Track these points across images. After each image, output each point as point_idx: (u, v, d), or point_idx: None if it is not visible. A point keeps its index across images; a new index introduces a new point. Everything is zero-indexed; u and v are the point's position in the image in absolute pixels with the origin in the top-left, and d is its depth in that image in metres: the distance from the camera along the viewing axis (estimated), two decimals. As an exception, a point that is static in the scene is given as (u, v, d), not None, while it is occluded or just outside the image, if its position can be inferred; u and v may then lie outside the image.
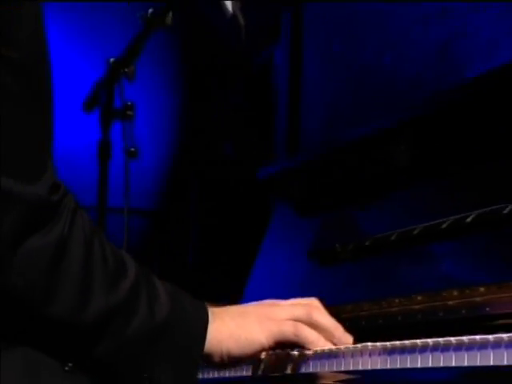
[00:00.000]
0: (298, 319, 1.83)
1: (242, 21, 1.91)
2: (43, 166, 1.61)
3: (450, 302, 1.88)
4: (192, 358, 1.73)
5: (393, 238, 2.12)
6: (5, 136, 1.55)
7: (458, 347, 1.56)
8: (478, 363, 1.52)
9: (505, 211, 1.85)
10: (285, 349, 1.86)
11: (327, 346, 1.82)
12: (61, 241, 1.59)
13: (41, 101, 1.65)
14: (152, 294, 1.70)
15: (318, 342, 1.82)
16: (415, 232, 2.06)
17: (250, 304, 1.93)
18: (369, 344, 1.74)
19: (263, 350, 1.82)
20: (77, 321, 1.62)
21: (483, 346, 1.53)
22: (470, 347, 1.55)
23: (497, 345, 1.50)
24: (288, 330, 1.81)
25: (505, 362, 1.48)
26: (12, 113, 1.57)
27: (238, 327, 1.80)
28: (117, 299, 1.65)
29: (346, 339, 1.84)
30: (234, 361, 1.79)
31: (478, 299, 1.82)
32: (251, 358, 1.84)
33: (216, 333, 1.76)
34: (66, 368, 1.65)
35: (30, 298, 1.59)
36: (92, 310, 1.62)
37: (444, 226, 1.98)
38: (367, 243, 2.20)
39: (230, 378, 2.01)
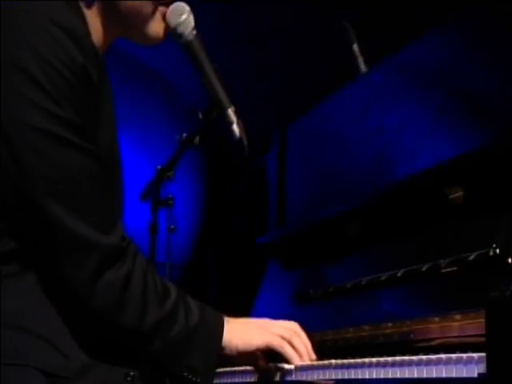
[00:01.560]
0: (283, 338, 1.82)
1: (245, 141, 1.90)
2: (116, 223, 1.62)
3: (387, 331, 1.85)
4: (214, 350, 1.72)
5: (348, 286, 2.10)
6: (91, 203, 1.56)
7: (393, 364, 1.56)
8: (407, 376, 1.51)
9: (423, 269, 1.84)
10: (272, 358, 1.85)
11: (299, 362, 1.82)
12: (128, 274, 1.59)
13: (113, 179, 1.67)
14: (187, 308, 1.69)
15: (293, 358, 1.82)
16: (363, 282, 2.04)
17: (253, 319, 1.93)
18: (333, 361, 1.73)
19: (258, 350, 1.81)
20: (138, 328, 1.62)
21: (410, 363, 1.52)
22: (401, 364, 1.54)
23: (419, 363, 1.50)
24: (277, 343, 1.81)
25: (424, 375, 1.48)
26: (96, 188, 1.58)
27: (243, 331, 1.79)
28: (164, 312, 1.64)
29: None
30: (238, 354, 1.77)
31: (405, 329, 1.80)
32: (250, 355, 1.81)
33: (228, 334, 1.74)
34: (129, 378, 1.63)
35: (107, 314, 1.58)
36: (148, 321, 1.62)
37: (382, 278, 1.97)
38: (331, 289, 2.19)
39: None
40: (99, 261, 1.55)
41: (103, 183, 1.59)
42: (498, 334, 1.34)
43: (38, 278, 1.56)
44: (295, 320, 1.89)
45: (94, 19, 1.70)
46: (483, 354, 1.36)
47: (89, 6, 1.69)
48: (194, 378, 1.68)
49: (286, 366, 1.83)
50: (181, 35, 1.84)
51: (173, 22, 1.80)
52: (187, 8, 1.82)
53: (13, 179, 1.51)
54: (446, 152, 1.95)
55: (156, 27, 1.77)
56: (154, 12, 1.75)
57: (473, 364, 1.38)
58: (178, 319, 1.66)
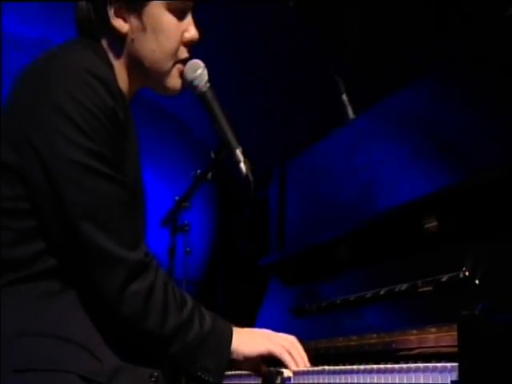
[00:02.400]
0: (283, 347, 1.80)
1: (251, 177, 1.89)
2: (140, 241, 1.61)
3: (372, 341, 1.84)
4: (224, 354, 1.70)
5: (338, 301, 2.09)
6: (119, 225, 1.56)
7: (378, 371, 1.55)
8: (390, 382, 1.50)
9: (402, 288, 1.83)
10: (273, 365, 1.83)
11: (296, 368, 1.79)
12: (151, 285, 1.58)
13: (137, 205, 1.66)
14: (201, 316, 1.67)
15: (291, 364, 1.79)
16: (351, 299, 2.03)
17: (257, 329, 1.91)
18: (326, 367, 1.72)
19: (261, 356, 1.78)
20: (159, 332, 1.60)
21: (392, 371, 1.51)
22: (384, 371, 1.54)
23: (400, 370, 1.49)
24: (277, 350, 1.78)
25: (405, 381, 1.46)
26: (123, 212, 1.58)
27: (249, 339, 1.76)
28: (182, 319, 1.63)
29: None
30: (244, 359, 1.75)
31: (387, 339, 1.79)
32: (253, 360, 1.78)
33: (236, 341, 1.72)
34: (153, 379, 1.62)
35: (134, 320, 1.57)
36: (168, 326, 1.61)
37: (368, 295, 1.96)
38: (323, 304, 2.17)
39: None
40: (126, 274, 1.55)
41: (129, 208, 1.60)
42: (469, 348, 1.32)
43: (76, 293, 1.56)
44: (293, 330, 1.88)
45: (121, 69, 1.72)
46: (456, 364, 1.35)
47: (117, 58, 1.71)
48: (206, 378, 1.67)
49: (285, 371, 1.81)
50: (196, 87, 1.84)
51: (189, 76, 1.81)
52: (202, 64, 1.83)
53: (52, 205, 1.53)
54: (422, 187, 1.94)
55: (174, 81, 1.78)
56: (172, 67, 1.76)
57: (446, 372, 1.37)
58: (193, 325, 1.64)
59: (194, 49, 1.81)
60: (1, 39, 3.61)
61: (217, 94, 1.88)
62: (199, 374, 1.66)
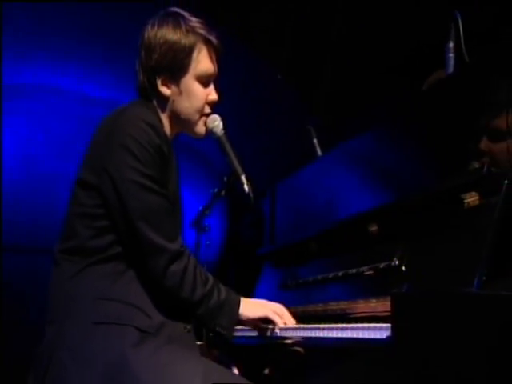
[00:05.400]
0: (275, 312, 1.79)
1: (251, 194, 1.88)
2: (178, 236, 1.61)
3: (333, 308, 1.84)
4: (234, 316, 1.69)
5: (310, 280, 2.08)
6: (163, 224, 1.56)
7: (336, 328, 1.54)
8: (344, 336, 1.49)
9: (353, 271, 1.82)
10: (266, 323, 1.81)
11: (282, 325, 1.77)
12: (185, 266, 1.58)
13: (176, 211, 1.66)
14: (219, 289, 1.66)
15: (279, 322, 1.78)
16: (319, 278, 2.02)
17: (257, 299, 1.90)
18: (301, 325, 1.72)
19: (260, 319, 1.76)
20: (190, 299, 1.60)
21: (346, 328, 1.50)
22: (341, 329, 1.52)
23: (351, 328, 1.48)
24: (270, 315, 1.77)
25: (354, 336, 1.46)
26: (166, 215, 1.58)
27: (251, 306, 1.75)
28: (206, 291, 1.62)
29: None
30: (247, 320, 1.74)
31: (343, 307, 1.78)
32: (253, 321, 1.77)
33: (243, 308, 1.71)
34: (186, 330, 1.61)
35: (173, 291, 1.57)
36: (196, 295, 1.60)
37: (330, 276, 1.95)
38: (300, 281, 2.16)
39: (245, 339, 1.95)
40: (167, 259, 1.56)
41: (170, 213, 1.61)
42: (398, 314, 1.32)
43: (134, 271, 1.57)
44: (280, 300, 1.86)
45: (165, 120, 1.75)
46: (389, 325, 1.35)
47: (163, 112, 1.74)
48: (222, 331, 1.67)
49: (274, 327, 1.80)
50: (215, 133, 1.86)
51: (210, 125, 1.83)
52: (218, 118, 1.85)
53: (119, 210, 1.56)
54: (367, 203, 1.94)
55: (200, 128, 1.81)
56: (199, 119, 1.79)
57: (383, 330, 1.37)
58: (213, 296, 1.64)
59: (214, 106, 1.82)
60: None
61: (229, 137, 1.89)
62: (217, 328, 1.66)
